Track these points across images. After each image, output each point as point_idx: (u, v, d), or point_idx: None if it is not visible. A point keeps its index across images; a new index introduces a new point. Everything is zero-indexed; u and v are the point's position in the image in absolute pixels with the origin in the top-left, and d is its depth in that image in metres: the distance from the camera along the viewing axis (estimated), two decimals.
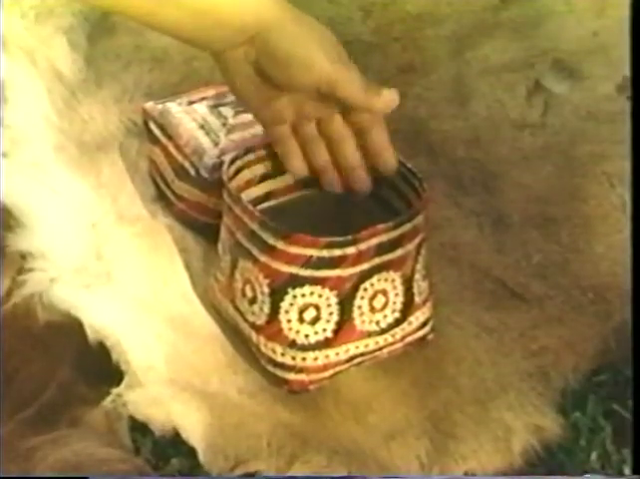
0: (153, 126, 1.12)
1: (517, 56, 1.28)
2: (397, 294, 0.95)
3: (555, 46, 1.28)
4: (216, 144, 1.07)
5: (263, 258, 0.92)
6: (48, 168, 1.11)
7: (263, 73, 0.89)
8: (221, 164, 1.01)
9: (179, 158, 1.08)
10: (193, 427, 0.92)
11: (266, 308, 0.93)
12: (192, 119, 1.09)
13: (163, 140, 1.10)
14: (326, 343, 0.94)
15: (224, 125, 1.08)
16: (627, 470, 0.92)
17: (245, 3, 0.87)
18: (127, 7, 0.87)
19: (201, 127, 1.09)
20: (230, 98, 1.11)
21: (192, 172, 1.07)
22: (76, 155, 1.13)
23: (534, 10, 1.32)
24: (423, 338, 0.99)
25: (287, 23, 0.87)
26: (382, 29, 1.30)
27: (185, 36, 0.90)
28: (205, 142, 1.07)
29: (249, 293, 0.94)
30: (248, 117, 1.08)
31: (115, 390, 0.94)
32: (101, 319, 0.98)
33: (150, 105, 1.12)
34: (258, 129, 1.07)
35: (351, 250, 0.90)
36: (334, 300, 0.92)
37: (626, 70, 1.08)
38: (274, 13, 0.87)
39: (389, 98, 0.88)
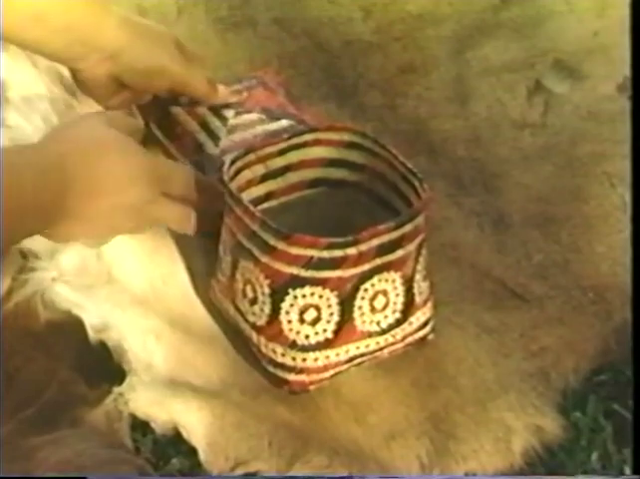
0: (153, 126, 1.12)
1: (518, 56, 1.28)
2: (397, 295, 0.95)
3: (556, 46, 1.28)
4: (217, 144, 1.07)
5: (264, 259, 0.92)
6: None
7: (122, 82, 1.03)
8: (222, 164, 1.01)
9: (180, 158, 1.08)
10: (194, 427, 0.92)
11: (267, 309, 0.93)
12: (193, 119, 1.09)
13: (164, 140, 1.10)
14: (326, 344, 0.94)
15: (225, 125, 1.08)
16: (628, 470, 0.92)
17: (103, 24, 0.98)
18: None
19: (202, 127, 1.09)
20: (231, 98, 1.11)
21: None
22: None
23: (535, 10, 1.32)
24: (423, 339, 0.99)
25: (139, 40, 1.00)
26: (382, 29, 1.30)
27: (47, 52, 1.00)
28: (206, 142, 1.07)
29: (250, 294, 0.94)
30: (249, 117, 1.08)
31: (116, 389, 0.94)
32: (102, 319, 0.98)
33: (150, 105, 1.12)
34: (259, 129, 1.07)
35: (352, 251, 0.90)
36: (334, 301, 0.92)
37: (626, 70, 1.08)
38: (127, 33, 1.00)
39: (224, 92, 1.09)
